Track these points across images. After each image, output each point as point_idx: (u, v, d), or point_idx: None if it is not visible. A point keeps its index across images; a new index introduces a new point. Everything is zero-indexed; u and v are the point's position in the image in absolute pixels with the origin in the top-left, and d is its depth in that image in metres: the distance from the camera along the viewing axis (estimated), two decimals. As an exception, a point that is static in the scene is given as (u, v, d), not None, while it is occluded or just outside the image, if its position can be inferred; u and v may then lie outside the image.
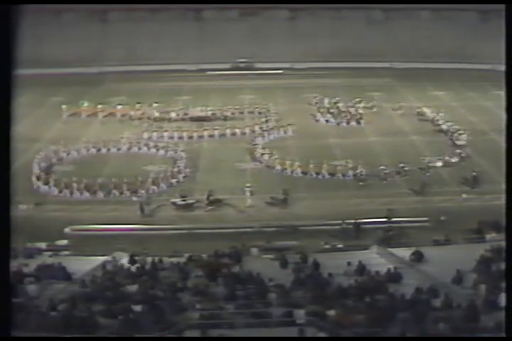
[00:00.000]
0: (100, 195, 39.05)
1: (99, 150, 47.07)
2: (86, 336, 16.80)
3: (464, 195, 37.98)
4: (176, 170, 42.18)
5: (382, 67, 72.54)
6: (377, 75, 69.28)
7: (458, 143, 47.23)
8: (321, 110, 55.51)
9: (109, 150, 47.17)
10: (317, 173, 41.44)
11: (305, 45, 76.78)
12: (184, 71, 72.99)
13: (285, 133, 50.76)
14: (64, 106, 56.03)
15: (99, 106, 56.62)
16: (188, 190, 38.56)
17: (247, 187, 37.82)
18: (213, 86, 66.90)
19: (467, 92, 63.70)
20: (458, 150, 43.39)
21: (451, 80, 66.97)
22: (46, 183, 39.69)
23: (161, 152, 46.53)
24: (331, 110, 55.19)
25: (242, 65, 75.40)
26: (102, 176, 40.52)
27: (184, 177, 41.86)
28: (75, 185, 39.09)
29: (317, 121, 53.94)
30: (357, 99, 57.32)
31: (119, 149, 47.20)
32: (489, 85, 60.07)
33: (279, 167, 42.74)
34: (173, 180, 40.95)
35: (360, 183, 40.16)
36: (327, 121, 53.72)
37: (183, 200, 37.36)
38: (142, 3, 74.34)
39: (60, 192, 39.25)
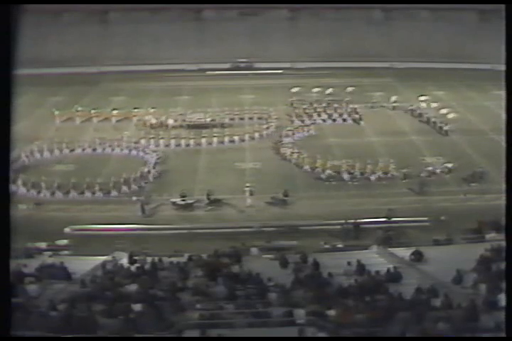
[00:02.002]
0: (74, 194, 39.09)
1: (72, 150, 46.97)
2: (86, 336, 16.79)
3: (467, 195, 37.96)
4: (146, 170, 42.13)
5: (383, 67, 72.56)
6: (377, 75, 69.33)
7: (445, 128, 49.85)
8: (296, 111, 55.55)
9: (84, 150, 47.16)
10: (350, 173, 41.26)
11: (305, 44, 76.84)
12: (184, 71, 73.04)
13: (308, 132, 50.74)
14: (57, 112, 54.58)
15: (93, 110, 55.10)
16: (187, 190, 38.54)
17: (247, 186, 37.83)
18: (213, 86, 66.92)
19: (467, 92, 63.74)
20: (447, 164, 42.25)
21: (451, 80, 67.03)
22: (14, 182, 39.42)
23: (133, 152, 46.64)
24: (307, 111, 55.21)
25: (242, 64, 75.44)
26: (74, 176, 40.39)
27: (154, 177, 41.92)
28: (43, 184, 38.88)
29: (292, 122, 53.59)
30: (329, 98, 57.82)
31: (94, 150, 47.19)
32: (489, 85, 60.12)
33: (307, 166, 42.54)
34: (143, 181, 41.01)
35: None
36: (302, 121, 53.59)
37: (183, 200, 37.39)
38: (142, 4, 74.32)
39: (28, 191, 39.11)
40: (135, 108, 55.43)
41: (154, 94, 63.94)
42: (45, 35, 74.37)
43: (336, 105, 55.87)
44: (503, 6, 8.92)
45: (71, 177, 40.20)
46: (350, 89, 58.23)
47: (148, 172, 42.07)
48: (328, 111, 54.75)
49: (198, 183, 40.78)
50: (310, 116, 54.38)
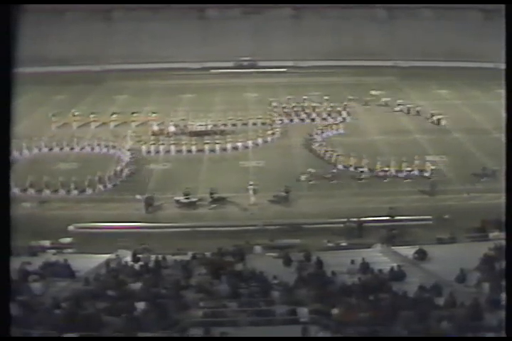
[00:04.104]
0: (46, 192, 39.07)
1: (51, 149, 46.90)
2: (86, 336, 16.76)
3: (471, 194, 37.92)
4: (119, 168, 42.12)
5: (386, 66, 72.40)
6: (380, 74, 69.23)
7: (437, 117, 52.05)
8: (275, 110, 55.29)
9: (62, 149, 47.02)
10: (384, 170, 41.18)
11: (308, 43, 76.76)
12: (188, 69, 73.00)
13: (337, 131, 50.65)
14: (53, 117, 52.87)
15: (92, 115, 53.23)
16: (192, 188, 38.53)
17: (250, 185, 37.84)
18: (217, 84, 66.95)
19: (470, 91, 63.63)
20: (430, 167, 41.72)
21: (454, 79, 66.92)
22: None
23: (111, 151, 46.73)
24: (285, 110, 55.01)
25: (245, 63, 75.37)
26: (47, 175, 40.39)
27: (127, 176, 41.95)
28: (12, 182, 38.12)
29: (273, 121, 53.08)
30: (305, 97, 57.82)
31: (72, 149, 47.16)
32: (492, 84, 59.93)
33: (341, 164, 42.38)
34: (118, 179, 41.18)
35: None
36: (281, 121, 53.36)
37: (187, 198, 37.42)
38: (142, 3, 74.38)
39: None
40: (133, 113, 53.90)
41: (158, 93, 64.05)
42: (48, 34, 74.57)
43: (314, 104, 55.67)
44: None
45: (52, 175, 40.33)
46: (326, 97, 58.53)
47: (121, 170, 41.99)
48: (307, 111, 54.64)
49: (202, 182, 40.80)
50: (288, 115, 54.24)
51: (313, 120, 53.69)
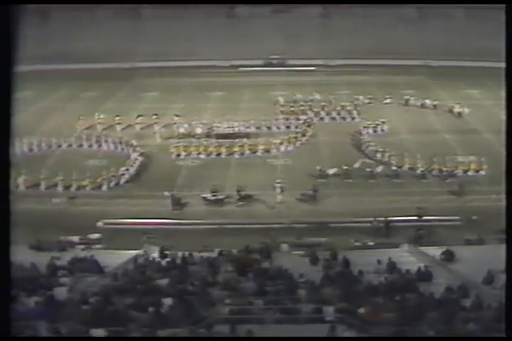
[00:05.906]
0: (59, 188, 39.36)
1: (59, 146, 46.97)
2: (86, 336, 16.83)
3: (499, 195, 37.56)
4: (126, 165, 42.39)
5: (416, 65, 71.88)
6: (410, 73, 68.80)
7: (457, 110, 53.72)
8: (281, 109, 55.01)
9: (70, 145, 47.27)
10: (440, 171, 41.14)
11: (338, 42, 76.41)
12: (216, 67, 73.11)
13: (382, 130, 50.33)
14: (80, 120, 51.31)
15: (117, 117, 52.04)
16: (219, 186, 38.65)
17: (278, 183, 37.86)
18: (245, 82, 67.00)
19: (501, 91, 62.79)
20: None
21: (485, 79, 66.21)
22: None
23: (119, 148, 46.95)
24: (292, 109, 54.50)
25: (274, 61, 75.25)
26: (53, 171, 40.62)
27: (135, 175, 42.06)
28: (21, 179, 37.85)
29: (276, 120, 52.83)
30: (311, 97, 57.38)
31: (81, 145, 47.41)
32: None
33: (394, 164, 42.15)
34: (127, 176, 41.42)
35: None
36: (287, 119, 52.80)
37: (214, 195, 37.56)
38: (172, 4, 74.71)
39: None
40: (155, 114, 52.40)
41: (186, 90, 64.23)
42: (78, 32, 75.21)
43: (323, 103, 55.15)
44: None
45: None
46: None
47: (128, 169, 42.18)
48: (315, 110, 54.21)
49: (229, 179, 40.90)
50: (296, 114, 53.64)
51: (322, 119, 53.46)
